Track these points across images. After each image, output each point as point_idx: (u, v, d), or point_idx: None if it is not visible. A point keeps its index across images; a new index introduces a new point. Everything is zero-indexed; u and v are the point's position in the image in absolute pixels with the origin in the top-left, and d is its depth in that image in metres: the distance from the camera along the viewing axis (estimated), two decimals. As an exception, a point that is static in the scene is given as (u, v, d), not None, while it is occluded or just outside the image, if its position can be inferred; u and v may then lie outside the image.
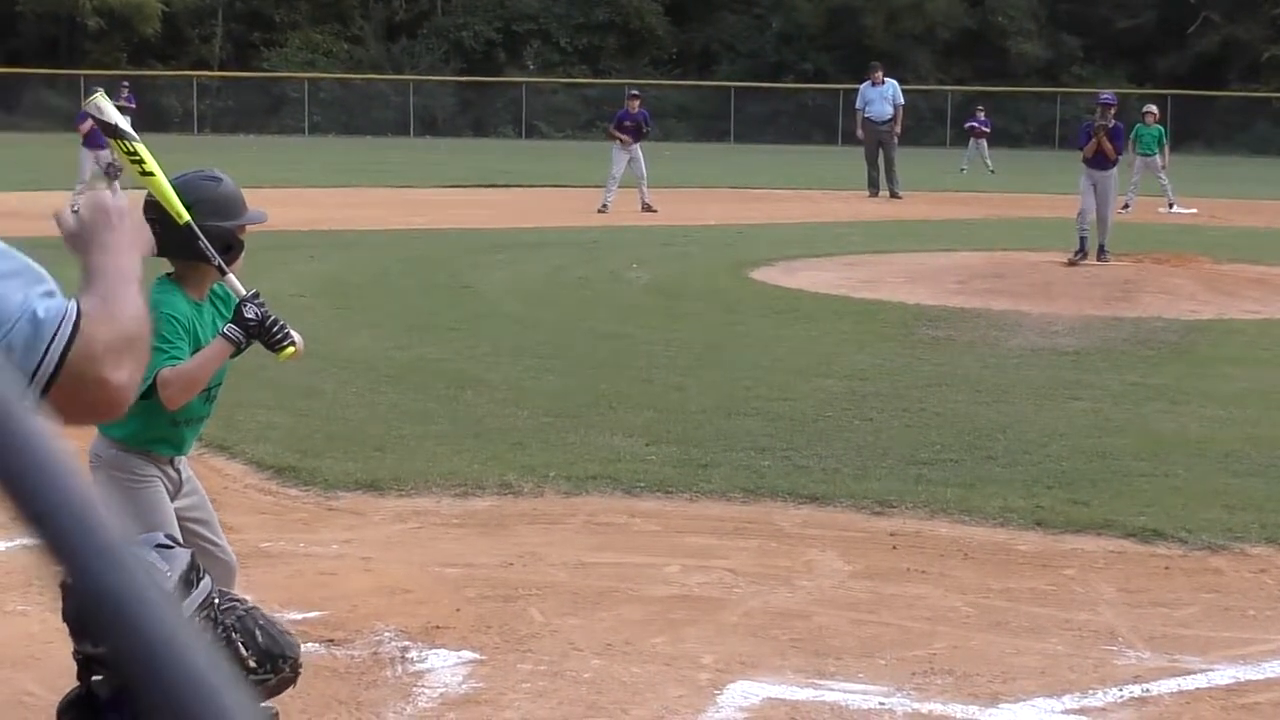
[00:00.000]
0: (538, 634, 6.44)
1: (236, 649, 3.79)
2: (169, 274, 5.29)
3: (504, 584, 7.09)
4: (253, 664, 3.81)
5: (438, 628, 6.50)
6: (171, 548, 3.73)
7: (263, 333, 5.09)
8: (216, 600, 3.76)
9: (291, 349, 5.16)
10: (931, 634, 6.54)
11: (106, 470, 5.17)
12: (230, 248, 5.25)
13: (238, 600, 4.04)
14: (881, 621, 6.69)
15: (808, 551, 7.68)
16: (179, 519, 5.26)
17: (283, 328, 5.13)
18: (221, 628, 3.82)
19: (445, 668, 6.12)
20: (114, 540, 0.82)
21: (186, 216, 5.06)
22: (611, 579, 7.20)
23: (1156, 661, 6.29)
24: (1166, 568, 7.49)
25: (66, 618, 3.41)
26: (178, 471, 5.37)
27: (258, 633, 3.87)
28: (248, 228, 5.38)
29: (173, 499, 5.29)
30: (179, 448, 5.36)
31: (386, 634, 6.42)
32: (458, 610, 6.72)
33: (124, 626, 0.79)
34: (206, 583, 3.72)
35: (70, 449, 0.89)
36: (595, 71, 70.07)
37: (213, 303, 5.32)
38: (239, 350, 5.16)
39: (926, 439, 9.95)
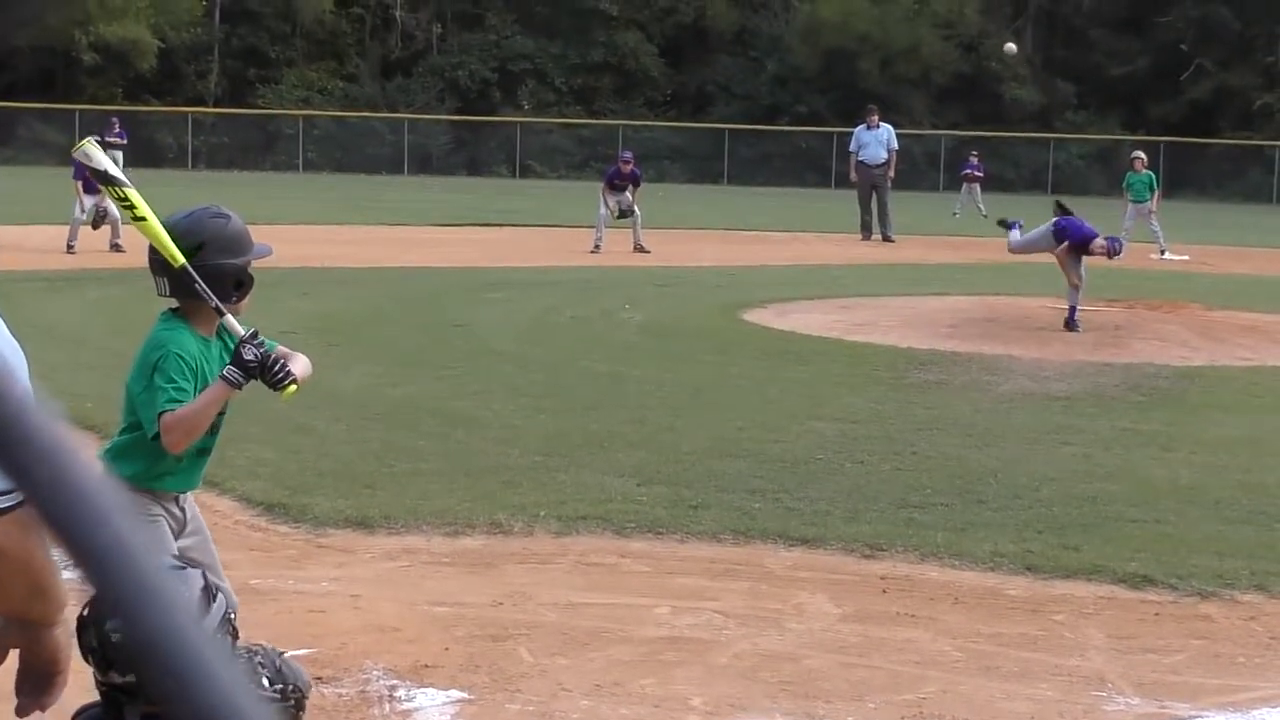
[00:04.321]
0: (527, 674, 6.43)
1: (255, 667, 3.83)
2: (175, 310, 5.24)
3: (493, 623, 7.07)
4: (265, 681, 3.85)
5: (427, 666, 6.49)
6: (184, 569, 3.76)
7: (263, 373, 5.03)
8: (233, 616, 3.79)
9: (294, 387, 5.11)
10: (921, 678, 6.53)
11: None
12: (241, 284, 5.24)
13: (262, 644, 4.10)
14: (871, 665, 6.68)
15: (798, 594, 7.67)
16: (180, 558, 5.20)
17: (283, 366, 5.08)
18: (246, 651, 3.87)
19: (434, 707, 6.10)
20: (154, 573, 0.85)
21: (182, 260, 5.04)
22: (601, 619, 7.18)
23: (1146, 708, 6.28)
24: (1156, 614, 7.49)
25: (88, 649, 3.42)
26: (182, 510, 5.32)
27: (277, 660, 3.93)
28: (254, 262, 5.37)
29: (177, 537, 5.25)
30: (185, 483, 5.32)
31: (375, 672, 6.41)
32: (447, 649, 6.70)
33: (162, 658, 0.82)
34: (222, 600, 3.75)
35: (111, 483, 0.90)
36: (590, 112, 70.34)
37: (220, 337, 5.29)
38: (239, 390, 5.11)
39: (917, 482, 9.95)
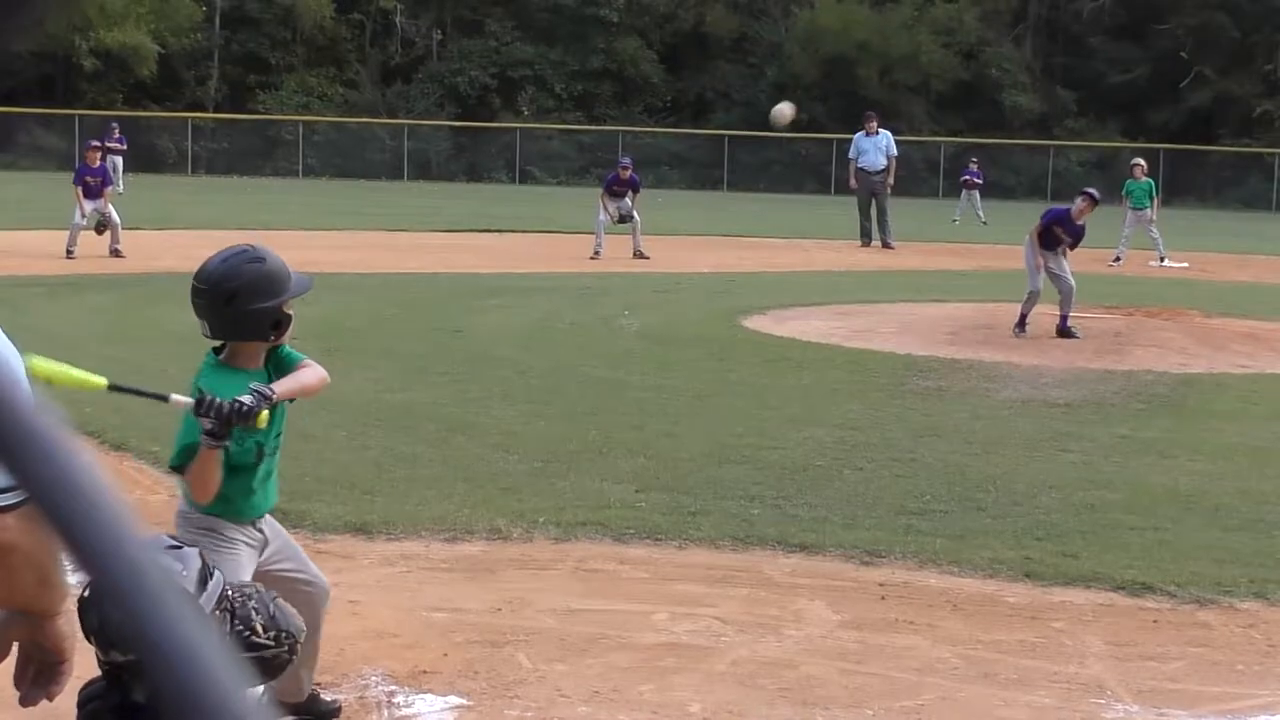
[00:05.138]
0: (525, 680, 6.43)
1: (249, 613, 3.89)
2: (217, 349, 5.40)
3: (492, 629, 7.07)
4: (259, 627, 3.91)
5: (425, 672, 6.49)
6: (181, 548, 3.82)
7: (228, 428, 5.04)
8: (230, 593, 3.85)
9: (264, 414, 5.07)
10: (919, 685, 6.53)
11: (192, 529, 5.27)
12: (279, 324, 5.33)
13: (256, 586, 4.18)
14: (869, 672, 6.68)
15: (796, 601, 7.67)
16: (268, 569, 5.42)
17: (238, 410, 4.99)
18: (241, 595, 3.93)
19: (432, 713, 6.10)
20: (150, 568, 0.87)
21: (103, 383, 4.92)
22: (600, 626, 7.18)
23: (1144, 715, 6.28)
24: (1155, 621, 7.49)
25: (90, 630, 3.49)
26: (261, 531, 5.50)
27: (271, 606, 4.00)
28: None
29: (260, 554, 5.45)
30: (261, 508, 5.51)
31: (374, 678, 6.41)
32: (445, 655, 6.70)
33: (151, 642, 0.85)
34: (218, 577, 3.82)
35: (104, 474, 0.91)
36: (590, 118, 70.33)
37: (265, 365, 5.42)
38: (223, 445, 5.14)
39: (916, 489, 9.95)
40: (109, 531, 0.87)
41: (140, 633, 0.85)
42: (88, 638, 3.53)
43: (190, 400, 5.03)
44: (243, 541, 5.38)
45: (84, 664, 3.62)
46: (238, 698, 0.84)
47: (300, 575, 5.62)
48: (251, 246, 5.47)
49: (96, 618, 3.46)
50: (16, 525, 2.64)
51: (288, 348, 5.47)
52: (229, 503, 5.31)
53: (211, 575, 3.81)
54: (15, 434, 0.87)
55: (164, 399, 4.99)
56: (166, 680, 0.84)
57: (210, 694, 0.83)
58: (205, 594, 3.75)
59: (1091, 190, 18.85)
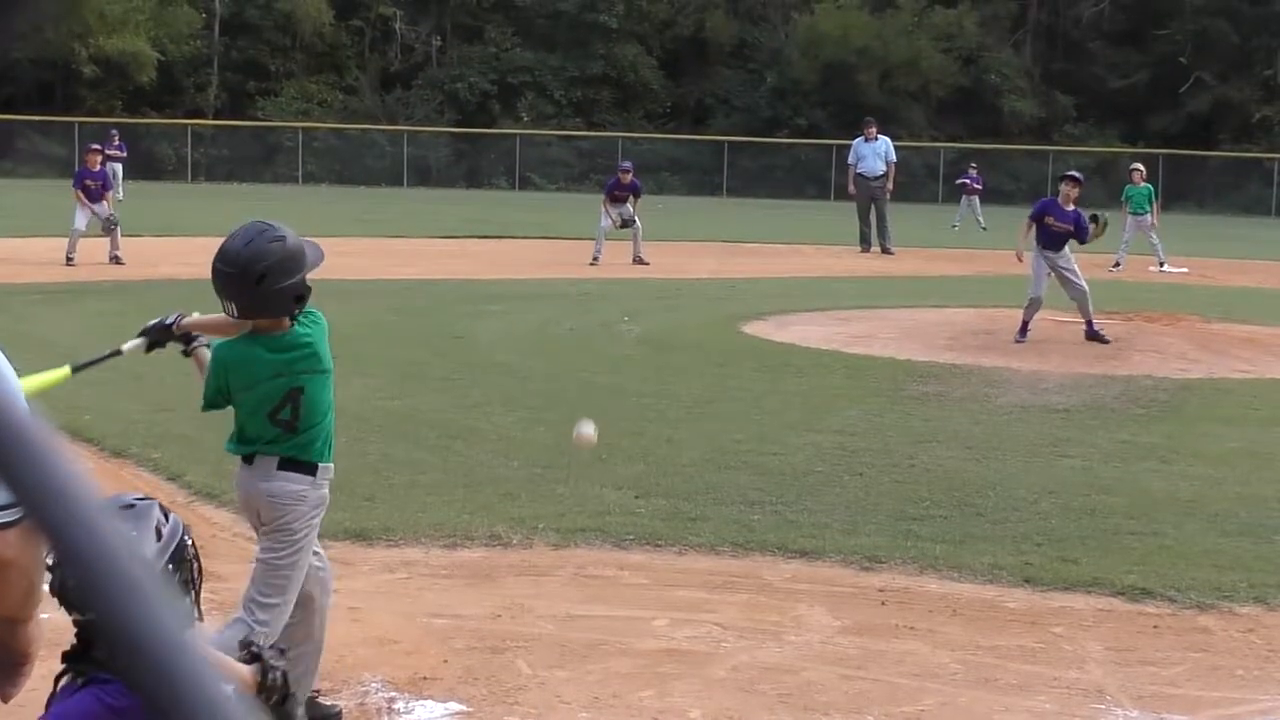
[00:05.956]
0: (525, 686, 6.42)
1: None
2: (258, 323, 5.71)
3: (492, 635, 7.07)
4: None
5: (425, 679, 6.49)
6: (134, 506, 3.88)
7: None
8: (189, 540, 3.93)
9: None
10: (920, 690, 6.53)
11: (311, 507, 5.72)
12: (301, 298, 5.54)
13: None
14: (870, 677, 6.68)
15: (796, 606, 7.67)
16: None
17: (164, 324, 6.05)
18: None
19: (432, 719, 6.10)
20: (139, 575, 0.89)
21: (64, 372, 5.85)
22: (600, 632, 7.18)
23: (1144, 720, 6.28)
24: (1155, 626, 7.49)
25: (54, 590, 3.64)
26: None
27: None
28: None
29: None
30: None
31: (374, 684, 6.40)
32: (445, 661, 6.70)
33: (104, 602, 0.88)
34: (174, 522, 3.89)
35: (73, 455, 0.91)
36: (589, 124, 70.33)
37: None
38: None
39: (916, 495, 9.95)
40: (102, 541, 0.88)
41: (119, 631, 0.86)
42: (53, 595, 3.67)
43: (139, 341, 5.86)
44: (329, 486, 5.85)
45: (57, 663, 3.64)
46: (219, 697, 0.85)
47: (316, 550, 5.95)
48: (268, 224, 5.58)
49: (58, 580, 3.58)
50: (17, 542, 2.66)
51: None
52: (328, 444, 5.79)
53: (166, 525, 3.88)
54: (11, 448, 0.88)
55: (118, 353, 5.75)
56: (148, 676, 0.85)
57: (189, 691, 0.84)
58: (159, 546, 3.82)
59: (1072, 173, 18.91)
